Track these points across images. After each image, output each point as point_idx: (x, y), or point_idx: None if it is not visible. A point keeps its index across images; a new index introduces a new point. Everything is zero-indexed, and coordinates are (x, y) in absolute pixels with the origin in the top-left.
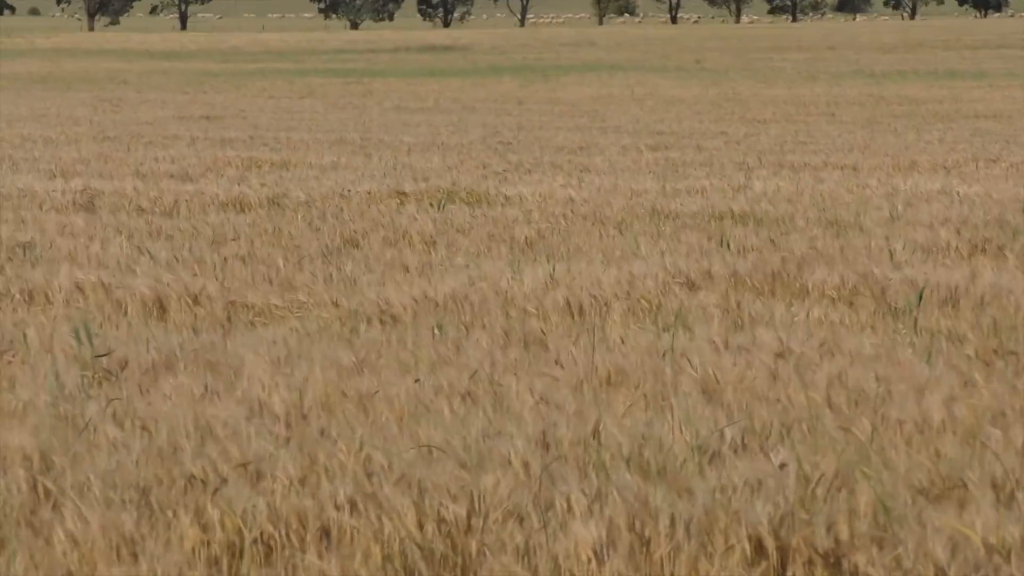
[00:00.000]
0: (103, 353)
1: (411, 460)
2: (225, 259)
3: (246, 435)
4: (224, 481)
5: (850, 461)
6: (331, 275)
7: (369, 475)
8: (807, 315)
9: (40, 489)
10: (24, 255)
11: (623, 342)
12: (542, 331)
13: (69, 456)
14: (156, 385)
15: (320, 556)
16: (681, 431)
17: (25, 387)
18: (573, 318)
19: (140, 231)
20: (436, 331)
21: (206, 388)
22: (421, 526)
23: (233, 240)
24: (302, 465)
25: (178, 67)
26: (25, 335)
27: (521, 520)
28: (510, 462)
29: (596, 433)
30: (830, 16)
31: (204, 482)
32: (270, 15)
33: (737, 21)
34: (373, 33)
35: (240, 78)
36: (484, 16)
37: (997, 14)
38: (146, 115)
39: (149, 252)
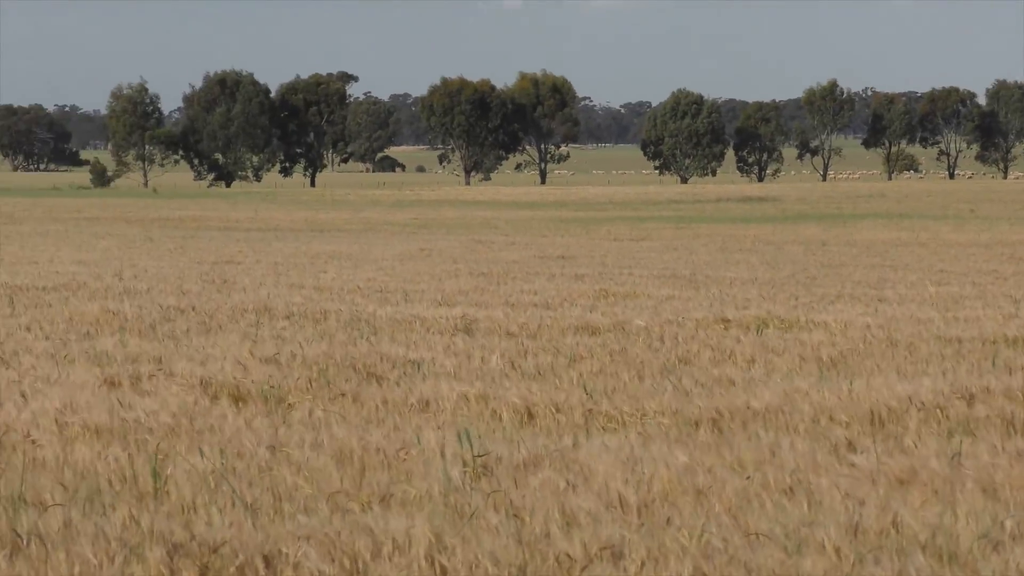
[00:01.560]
0: (482, 453)
1: (741, 545)
2: (581, 374)
3: (604, 522)
4: (589, 560)
5: None
6: (668, 388)
7: (707, 557)
8: None
9: (436, 565)
10: (417, 371)
11: (916, 446)
12: (846, 437)
13: (459, 538)
14: (526, 480)
15: None
16: (967, 522)
17: (420, 480)
18: (872, 425)
19: (510, 350)
20: (757, 436)
21: (568, 483)
22: None
23: (586, 359)
24: (652, 547)
25: (538, 215)
26: (419, 437)
27: None
28: (824, 547)
29: (895, 523)
30: None
31: (572, 561)
32: (614, 171)
33: (1004, 177)
34: (699, 186)
35: (589, 224)
36: (792, 172)
37: None
38: (512, 255)
39: (519, 369)
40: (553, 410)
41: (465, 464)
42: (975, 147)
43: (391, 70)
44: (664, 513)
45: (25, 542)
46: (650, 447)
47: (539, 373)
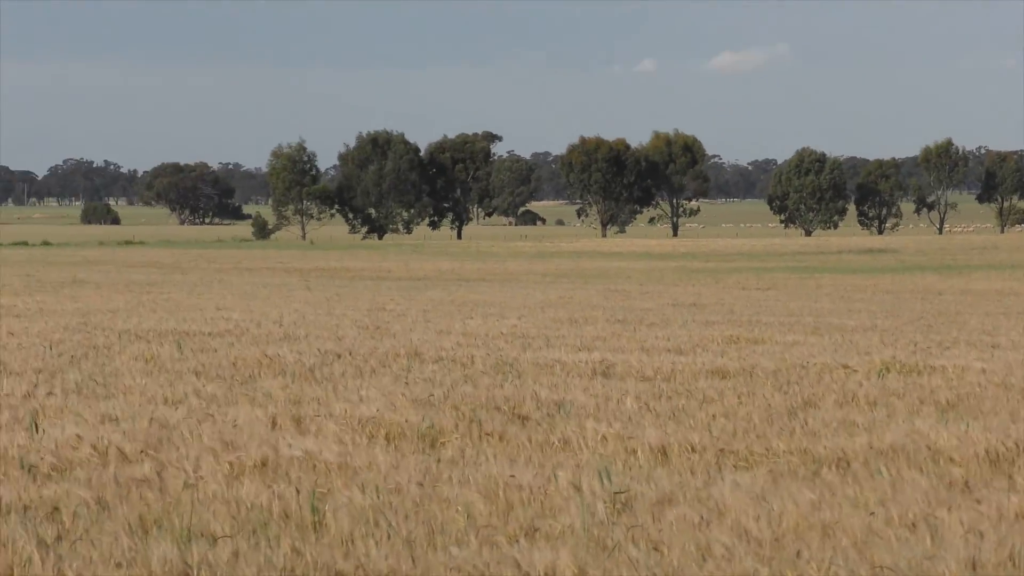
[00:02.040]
0: (621, 490)
1: None
2: (713, 416)
3: (737, 555)
4: None
5: None
6: (795, 429)
7: None
8: None
9: None
10: (559, 412)
11: None
12: (963, 476)
13: (601, 569)
14: (663, 515)
15: None
16: None
17: (563, 514)
18: (989, 464)
19: (645, 393)
20: (880, 474)
21: (702, 518)
22: None
23: (717, 401)
24: None
25: (671, 265)
26: (560, 474)
27: None
28: None
29: (1012, 557)
30: None
31: None
32: (742, 224)
33: None
34: (822, 239)
35: (718, 274)
36: (910, 225)
37: None
38: (646, 303)
39: (654, 410)
40: (687, 449)
41: (605, 500)
42: None
43: (533, 130)
44: (793, 547)
45: (195, 572)
46: (779, 485)
47: (673, 415)
